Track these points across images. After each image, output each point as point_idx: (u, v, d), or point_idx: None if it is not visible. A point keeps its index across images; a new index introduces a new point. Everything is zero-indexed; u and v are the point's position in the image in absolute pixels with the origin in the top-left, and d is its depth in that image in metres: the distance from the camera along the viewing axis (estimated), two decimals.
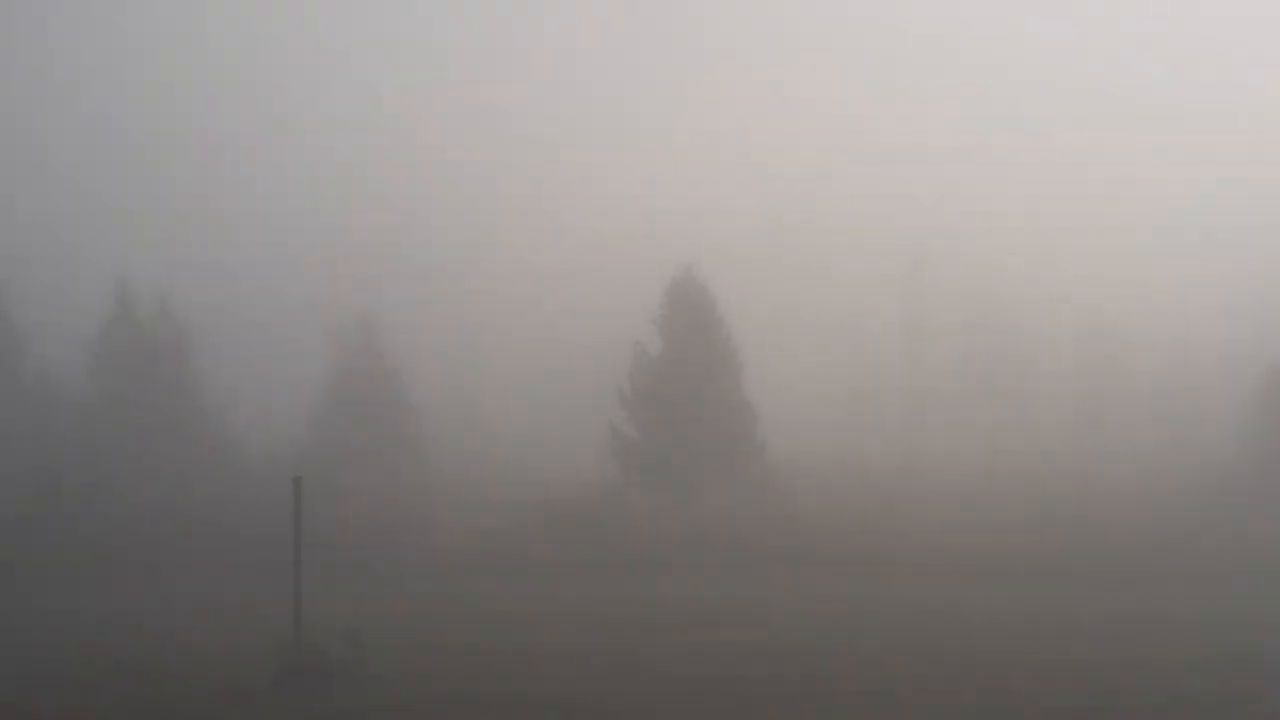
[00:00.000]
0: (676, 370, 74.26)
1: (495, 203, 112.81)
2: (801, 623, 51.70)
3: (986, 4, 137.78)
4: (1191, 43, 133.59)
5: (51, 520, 66.70)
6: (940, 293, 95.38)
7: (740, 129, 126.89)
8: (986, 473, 77.86)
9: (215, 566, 63.65)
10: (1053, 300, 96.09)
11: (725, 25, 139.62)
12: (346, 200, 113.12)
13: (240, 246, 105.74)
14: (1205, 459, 76.05)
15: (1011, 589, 60.68)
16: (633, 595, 59.22)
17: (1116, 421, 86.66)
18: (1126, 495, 73.28)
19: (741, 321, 76.42)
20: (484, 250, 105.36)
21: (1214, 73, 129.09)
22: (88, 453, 71.37)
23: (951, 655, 43.60)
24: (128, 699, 37.77)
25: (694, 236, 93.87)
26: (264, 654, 40.81)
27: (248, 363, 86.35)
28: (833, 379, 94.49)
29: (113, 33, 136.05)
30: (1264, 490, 71.36)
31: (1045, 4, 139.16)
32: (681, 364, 74.22)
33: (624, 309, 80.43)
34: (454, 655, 44.27)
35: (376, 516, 68.90)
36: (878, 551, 67.06)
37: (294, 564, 39.86)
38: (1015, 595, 59.01)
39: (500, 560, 66.75)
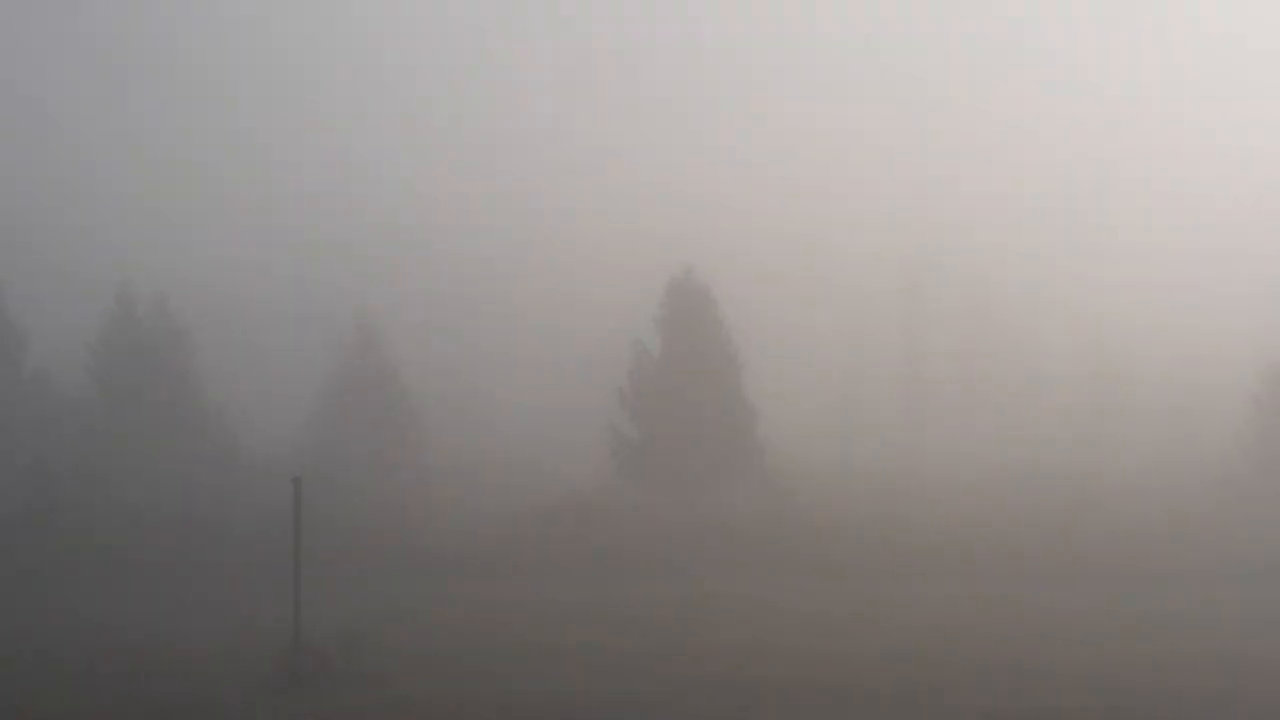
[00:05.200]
0: (676, 370, 74.19)
1: (496, 204, 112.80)
2: (799, 623, 51.68)
3: (990, 12, 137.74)
4: (1190, 48, 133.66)
5: (51, 519, 66.65)
6: (941, 294, 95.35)
7: (741, 133, 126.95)
8: (987, 473, 77.82)
9: (215, 566, 63.64)
10: (1054, 302, 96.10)
11: (729, 32, 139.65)
12: (347, 202, 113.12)
13: (240, 247, 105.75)
14: (1206, 459, 76.00)
15: (1011, 588, 60.65)
16: (632, 594, 59.20)
17: (1117, 422, 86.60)
18: (1128, 495, 73.23)
19: (742, 323, 76.36)
20: (485, 251, 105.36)
21: (1213, 76, 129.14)
22: (87, 452, 71.32)
23: (946, 660, 43.59)
24: (128, 698, 37.78)
25: (695, 239, 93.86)
26: (263, 653, 40.84)
27: (248, 363, 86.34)
28: (833, 380, 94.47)
29: (114, 36, 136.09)
30: (1264, 489, 71.34)
31: (1045, 11, 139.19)
32: (681, 364, 74.16)
33: (624, 309, 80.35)
34: (452, 655, 44.26)
35: (376, 516, 68.85)
36: (877, 551, 67.02)
37: (294, 564, 39.87)
38: (1015, 594, 58.97)
39: (499, 560, 66.74)
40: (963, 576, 63.38)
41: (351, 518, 66.79)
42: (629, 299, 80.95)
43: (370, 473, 72.56)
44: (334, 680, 38.78)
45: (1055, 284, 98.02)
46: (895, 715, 35.15)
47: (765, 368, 78.84)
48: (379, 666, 40.46)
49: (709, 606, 55.95)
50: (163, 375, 73.75)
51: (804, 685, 38.73)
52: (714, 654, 44.20)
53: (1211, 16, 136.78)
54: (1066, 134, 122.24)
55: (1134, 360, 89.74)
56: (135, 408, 72.47)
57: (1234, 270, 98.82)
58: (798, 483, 73.22)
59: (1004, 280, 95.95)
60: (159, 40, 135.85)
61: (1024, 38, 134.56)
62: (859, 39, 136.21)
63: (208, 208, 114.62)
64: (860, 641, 46.77)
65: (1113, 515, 70.23)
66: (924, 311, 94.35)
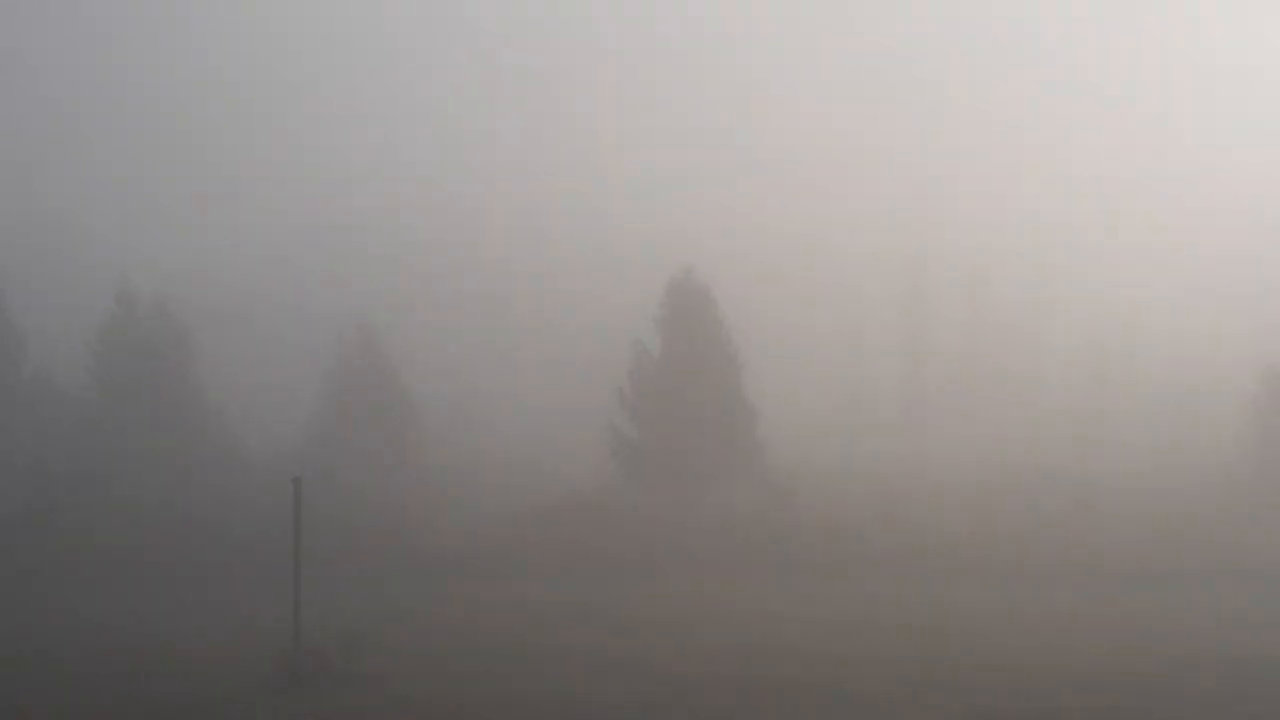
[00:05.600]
0: (676, 370, 74.22)
1: (496, 204, 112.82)
2: (798, 623, 51.66)
3: (990, 13, 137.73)
4: (1192, 49, 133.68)
5: (51, 519, 66.66)
6: (941, 295, 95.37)
7: (741, 133, 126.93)
8: (987, 474, 77.80)
9: (215, 566, 63.63)
10: (1054, 304, 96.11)
11: (730, 30, 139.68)
12: (346, 202, 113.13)
13: (240, 248, 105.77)
14: (1206, 459, 76.05)
15: (1011, 588, 60.64)
16: (632, 595, 59.20)
17: (1117, 423, 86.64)
18: (1127, 495, 73.26)
19: (742, 324, 76.39)
20: (485, 251, 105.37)
21: (1214, 78, 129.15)
22: (88, 452, 71.32)
23: (946, 659, 43.58)
24: (128, 698, 37.78)
25: (695, 239, 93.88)
26: (263, 653, 40.82)
27: (248, 363, 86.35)
28: (833, 380, 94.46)
29: (113, 36, 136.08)
30: (1263, 491, 71.39)
31: (1049, 13, 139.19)
32: (681, 364, 74.19)
33: (624, 309, 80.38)
34: (452, 655, 44.26)
35: (376, 516, 68.82)
36: (877, 551, 67.03)
37: (293, 564, 39.86)
38: (1015, 594, 58.96)
39: (499, 560, 66.72)
40: (963, 576, 63.36)
41: (351, 518, 66.75)
42: (629, 299, 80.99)
43: (370, 473, 72.55)
44: (334, 680, 38.76)
45: (1055, 284, 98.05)
46: (895, 715, 35.15)
47: (765, 368, 78.85)
48: (379, 666, 40.44)
49: (709, 606, 55.93)
50: (163, 375, 73.73)
51: (804, 685, 38.73)
52: (714, 654, 44.18)
53: (1213, 18, 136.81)
54: (1067, 135, 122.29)
55: (1134, 361, 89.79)
56: (135, 408, 72.47)
57: (1234, 272, 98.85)
58: (798, 483, 73.19)
59: (1004, 280, 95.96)
60: (161, 39, 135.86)
61: (1025, 38, 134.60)
62: (860, 39, 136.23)
63: (208, 208, 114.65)
64: (860, 641, 46.76)
65: (1113, 515, 70.25)
66: (924, 312, 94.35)
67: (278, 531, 46.20)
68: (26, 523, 66.25)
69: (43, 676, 40.95)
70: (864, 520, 70.26)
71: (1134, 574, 63.09)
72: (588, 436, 77.27)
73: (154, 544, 65.26)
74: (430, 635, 48.73)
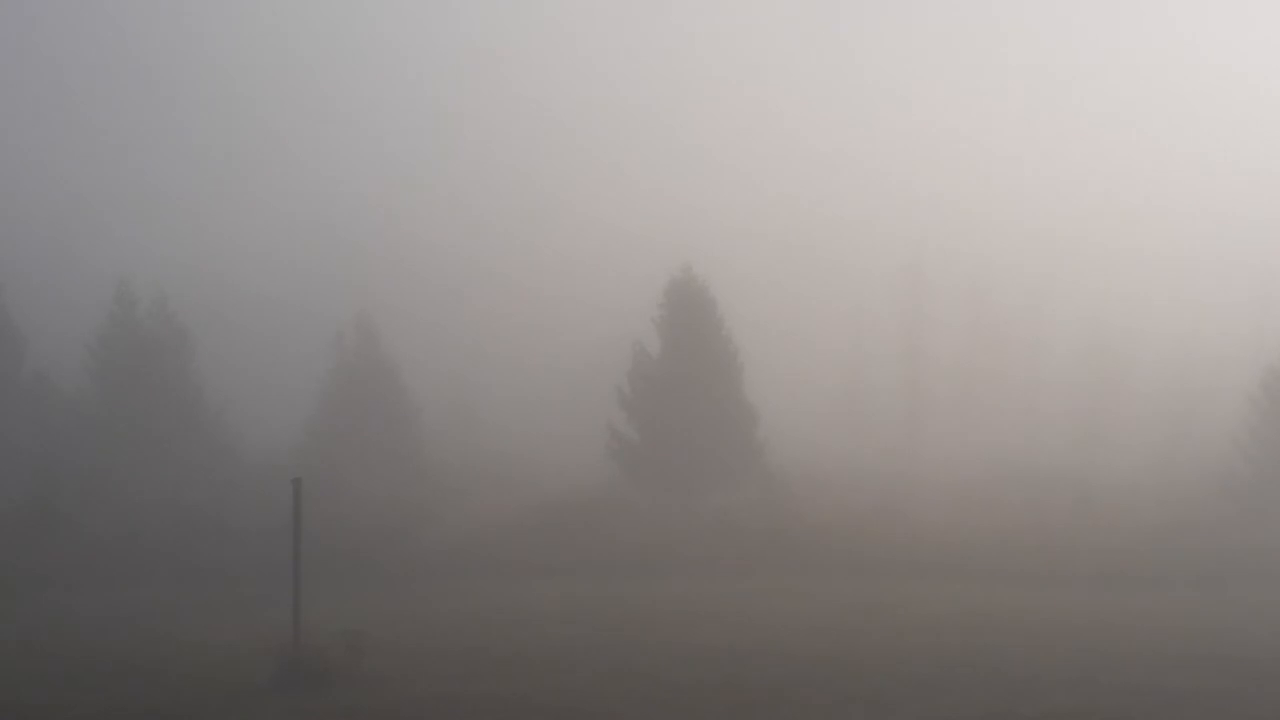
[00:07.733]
0: (676, 370, 74.30)
1: (494, 203, 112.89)
2: (798, 623, 51.68)
3: (986, 17, 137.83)
4: (1190, 55, 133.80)
5: (51, 519, 66.72)
6: (941, 294, 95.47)
7: (740, 130, 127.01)
8: (986, 474, 77.89)
9: (215, 565, 63.68)
10: (1053, 302, 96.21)
11: (727, 27, 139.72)
12: (345, 200, 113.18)
13: (240, 246, 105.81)
14: (1204, 461, 76.13)
15: (1010, 590, 60.67)
16: (631, 596, 59.20)
17: (1116, 423, 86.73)
18: (1127, 496, 73.34)
19: (741, 323, 76.49)
20: (483, 250, 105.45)
21: (1216, 79, 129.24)
22: (87, 453, 71.38)
23: (947, 660, 43.61)
24: (127, 699, 37.78)
25: (694, 237, 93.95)
26: (263, 654, 40.81)
27: (247, 363, 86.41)
28: (833, 381, 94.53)
29: (112, 33, 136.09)
30: (1263, 491, 71.46)
31: (1050, 9, 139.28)
32: (681, 364, 74.27)
33: (624, 309, 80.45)
34: (453, 656, 44.26)
35: (376, 516, 68.90)
36: (877, 551, 67.07)
37: (293, 564, 39.86)
38: (1013, 596, 59.00)
39: (499, 560, 66.74)
40: (963, 577, 63.39)
41: (351, 518, 66.85)
42: (629, 299, 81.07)
43: (370, 473, 72.62)
44: (334, 680, 38.75)
45: (1054, 285, 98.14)
46: (896, 715, 35.15)
47: (765, 368, 78.92)
48: (379, 666, 40.43)
49: (708, 606, 55.95)
50: (162, 375, 73.82)
51: (803, 685, 38.74)
52: (713, 654, 44.19)
53: (1212, 25, 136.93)
54: (1064, 138, 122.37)
55: (1133, 362, 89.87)
56: (135, 407, 72.54)
57: (1233, 273, 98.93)
58: (798, 483, 73.24)
59: (1003, 281, 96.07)
60: (157, 42, 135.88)
61: (1021, 42, 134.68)
62: (858, 44, 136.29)
63: (208, 208, 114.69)
64: (860, 642, 46.78)
65: (1112, 516, 70.32)
66: (924, 313, 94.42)
67: (277, 531, 46.21)
68: (26, 522, 66.32)
69: (41, 676, 40.95)
70: (864, 520, 70.31)
71: (1134, 574, 63.11)
72: (587, 437, 77.30)
73: (153, 543, 65.36)
74: (431, 635, 48.74)
